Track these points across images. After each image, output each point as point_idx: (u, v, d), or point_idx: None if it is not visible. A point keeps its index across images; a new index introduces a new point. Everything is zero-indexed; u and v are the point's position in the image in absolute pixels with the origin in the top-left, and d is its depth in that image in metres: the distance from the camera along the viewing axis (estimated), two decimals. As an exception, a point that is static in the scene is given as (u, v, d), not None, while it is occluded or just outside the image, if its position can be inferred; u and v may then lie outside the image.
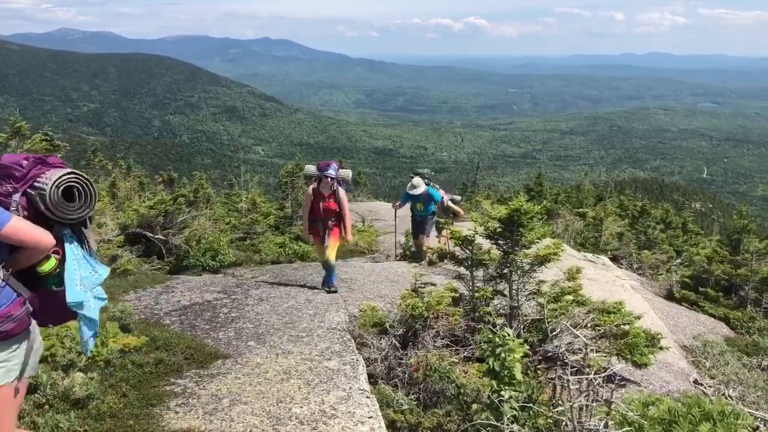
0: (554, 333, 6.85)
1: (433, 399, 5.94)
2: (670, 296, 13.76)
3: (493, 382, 4.64)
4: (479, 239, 7.10)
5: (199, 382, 5.33)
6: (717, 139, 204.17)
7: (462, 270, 7.53)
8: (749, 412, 3.73)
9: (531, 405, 4.86)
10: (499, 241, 7.03)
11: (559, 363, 6.49)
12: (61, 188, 3.06)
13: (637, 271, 17.10)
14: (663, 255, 18.97)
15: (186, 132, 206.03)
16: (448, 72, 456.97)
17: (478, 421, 4.69)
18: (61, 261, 3.07)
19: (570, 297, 7.18)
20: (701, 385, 8.22)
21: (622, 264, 17.66)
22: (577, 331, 6.17)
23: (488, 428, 4.54)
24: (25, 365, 3.11)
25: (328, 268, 8.76)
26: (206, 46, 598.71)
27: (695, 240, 23.86)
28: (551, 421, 4.72)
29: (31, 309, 3.01)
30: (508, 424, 4.41)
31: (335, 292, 8.64)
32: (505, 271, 7.10)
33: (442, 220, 11.42)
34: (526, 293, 7.18)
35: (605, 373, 4.58)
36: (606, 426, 4.10)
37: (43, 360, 5.00)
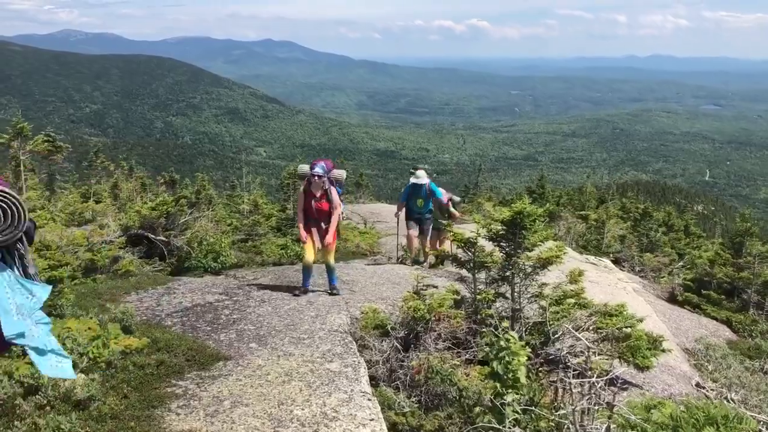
0: (556, 336, 6.83)
1: (434, 401, 5.93)
2: (672, 299, 13.74)
3: (497, 385, 4.63)
4: (481, 241, 7.08)
5: (201, 384, 5.33)
6: (719, 141, 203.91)
7: (464, 272, 7.52)
8: (752, 416, 3.71)
9: (533, 408, 4.85)
10: (502, 244, 7.01)
11: (561, 366, 6.47)
12: None
13: (639, 274, 17.08)
14: (665, 258, 18.95)
15: (188, 133, 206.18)
16: (450, 74, 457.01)
17: (480, 424, 4.67)
18: None
19: (572, 300, 7.16)
20: (703, 388, 8.21)
21: (624, 267, 17.63)
22: (579, 333, 6.16)
23: (490, 431, 4.53)
24: None
25: (330, 269, 8.58)
26: (209, 48, 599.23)
27: (697, 243, 23.83)
28: (553, 425, 4.70)
29: None
30: (510, 428, 4.40)
31: (337, 294, 8.48)
32: (508, 273, 7.09)
33: (444, 222, 11.38)
34: (528, 296, 7.17)
35: (607, 377, 4.56)
36: (608, 430, 4.09)
37: (44, 361, 5.00)
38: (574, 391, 4.64)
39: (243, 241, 13.61)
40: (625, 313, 7.29)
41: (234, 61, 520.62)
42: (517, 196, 23.14)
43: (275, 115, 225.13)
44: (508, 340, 4.81)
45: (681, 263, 18.26)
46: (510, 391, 4.60)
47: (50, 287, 3.35)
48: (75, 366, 5.05)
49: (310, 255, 8.40)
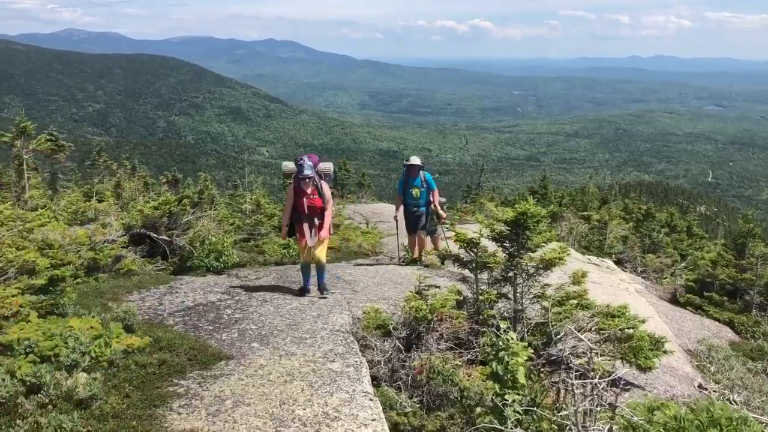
0: (558, 336, 6.82)
1: (436, 402, 5.93)
2: (674, 300, 13.70)
3: (496, 386, 4.62)
4: (484, 242, 7.08)
5: (203, 384, 5.33)
6: (722, 142, 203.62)
7: (466, 272, 7.51)
8: (755, 418, 3.70)
9: (534, 409, 4.84)
10: (505, 244, 7.01)
11: (563, 367, 6.46)
12: None
13: (641, 275, 17.06)
14: (667, 258, 18.93)
15: (191, 133, 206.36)
16: (453, 74, 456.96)
17: (482, 424, 4.67)
18: None
19: (574, 300, 7.15)
20: (706, 389, 8.19)
21: (626, 267, 17.61)
22: (582, 334, 6.15)
23: (492, 432, 4.53)
24: None
25: (320, 268, 8.36)
26: (211, 47, 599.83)
27: (700, 244, 23.81)
28: (555, 426, 4.70)
29: None
30: (511, 428, 4.39)
31: (326, 297, 8.28)
32: (510, 274, 7.08)
33: (434, 223, 11.36)
34: (531, 296, 7.16)
35: (610, 378, 4.55)
36: (610, 431, 4.08)
37: (46, 360, 5.01)
38: (576, 392, 4.63)
39: (245, 240, 13.62)
40: (627, 314, 7.28)
41: (237, 61, 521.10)
42: (519, 197, 23.13)
43: (278, 115, 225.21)
44: (507, 340, 4.80)
45: (683, 264, 18.23)
46: (509, 391, 4.60)
47: None
48: (77, 365, 5.06)
49: (308, 254, 8.28)
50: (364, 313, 7.44)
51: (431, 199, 11.19)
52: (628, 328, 7.08)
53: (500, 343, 4.69)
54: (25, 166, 14.07)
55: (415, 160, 11.10)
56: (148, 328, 6.47)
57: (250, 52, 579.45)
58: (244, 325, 6.98)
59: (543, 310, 7.05)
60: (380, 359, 6.38)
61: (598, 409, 4.37)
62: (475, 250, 7.13)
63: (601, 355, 6.74)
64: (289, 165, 8.48)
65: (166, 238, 10.66)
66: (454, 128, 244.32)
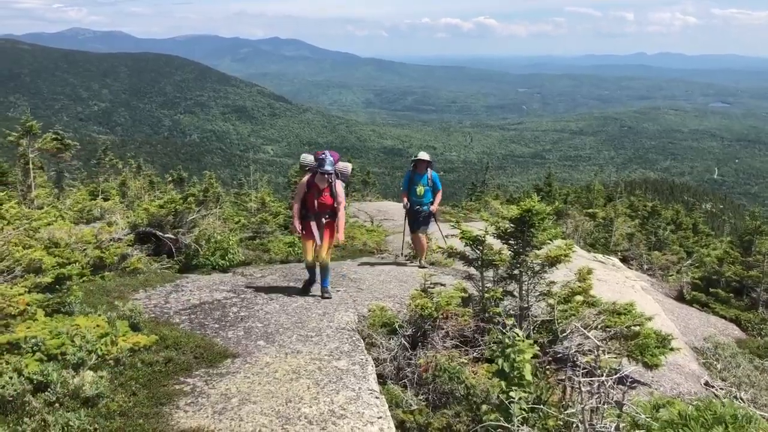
0: (564, 334, 6.81)
1: (442, 399, 5.93)
2: (680, 297, 13.68)
3: (503, 383, 4.62)
4: (489, 239, 7.07)
5: (209, 381, 5.34)
6: (728, 139, 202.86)
7: (472, 270, 7.50)
8: (761, 415, 3.68)
9: (541, 406, 4.84)
10: (510, 242, 7.00)
11: (569, 364, 6.45)
12: None
13: (647, 272, 17.02)
14: (673, 256, 18.87)
15: (196, 131, 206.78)
16: (458, 72, 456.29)
17: (488, 422, 4.66)
18: None
19: (580, 298, 7.14)
20: (712, 387, 8.17)
21: (632, 265, 17.57)
22: (588, 332, 6.13)
23: (498, 430, 4.52)
24: None
25: (324, 269, 8.22)
26: (216, 46, 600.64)
27: (706, 241, 23.73)
28: (561, 423, 4.69)
29: None
30: (518, 426, 4.38)
31: (329, 298, 8.15)
32: (516, 271, 7.07)
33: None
34: (537, 294, 7.15)
35: (617, 375, 4.54)
36: (617, 428, 4.07)
37: (53, 358, 5.03)
38: (583, 389, 4.62)
39: (250, 238, 13.62)
40: (633, 311, 7.26)
41: (241, 60, 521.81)
42: (524, 194, 23.10)
43: (282, 113, 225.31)
44: (513, 337, 4.79)
45: (689, 261, 18.18)
46: (516, 388, 4.59)
47: None
48: (84, 363, 5.07)
49: (310, 255, 8.12)
50: (370, 311, 7.45)
51: (433, 199, 10.90)
52: (635, 326, 7.07)
53: (507, 341, 4.68)
54: (30, 165, 14.11)
55: (424, 155, 10.78)
56: (155, 326, 6.49)
57: (254, 50, 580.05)
58: (250, 323, 6.99)
59: (549, 308, 7.04)
60: (386, 357, 6.38)
61: (605, 406, 4.36)
62: (481, 248, 7.12)
63: (608, 353, 6.72)
64: (308, 158, 8.26)
65: (172, 236, 10.67)
66: (458, 126, 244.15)
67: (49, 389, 4.66)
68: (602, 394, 4.39)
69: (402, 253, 12.19)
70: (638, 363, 6.89)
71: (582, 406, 4.26)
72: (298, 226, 8.12)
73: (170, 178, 26.30)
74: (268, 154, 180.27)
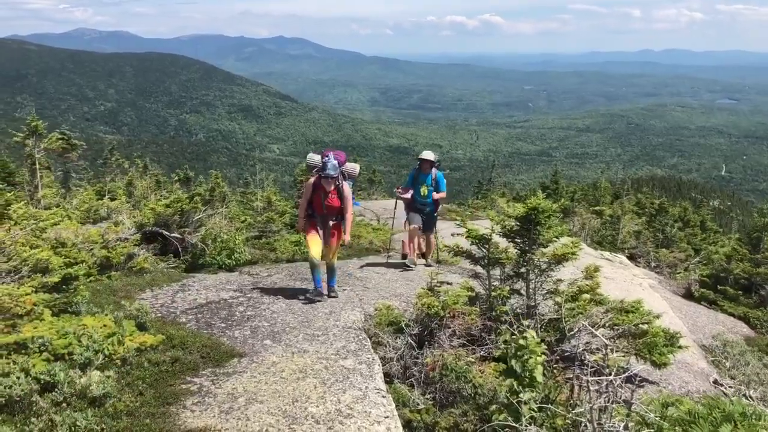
0: (572, 333, 6.78)
1: (449, 399, 5.91)
2: (688, 295, 13.61)
3: (514, 383, 4.59)
4: (496, 238, 7.04)
5: (215, 381, 5.34)
6: (735, 136, 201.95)
7: (478, 269, 7.48)
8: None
9: (549, 406, 4.81)
10: (516, 240, 6.97)
11: (576, 363, 6.42)
12: None
13: (654, 270, 16.94)
14: (681, 253, 18.79)
15: (202, 131, 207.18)
16: (463, 69, 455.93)
17: (496, 422, 4.64)
18: None
19: (588, 296, 7.11)
20: (721, 385, 8.12)
21: (639, 262, 17.50)
22: (596, 330, 6.10)
23: (506, 429, 4.50)
24: None
25: (331, 270, 8.14)
26: (221, 45, 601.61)
27: (714, 238, 23.61)
28: (569, 422, 4.66)
29: None
30: (526, 426, 4.36)
31: (336, 297, 8.10)
32: (522, 270, 7.05)
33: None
34: (543, 292, 7.12)
35: (625, 374, 4.51)
36: (626, 428, 4.04)
37: (60, 358, 5.03)
38: (591, 388, 4.59)
39: (257, 237, 13.63)
40: (641, 309, 7.22)
41: (246, 59, 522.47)
42: (531, 192, 23.03)
43: (288, 112, 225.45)
44: (526, 338, 4.77)
45: (697, 259, 18.09)
46: (526, 389, 4.57)
47: None
48: (91, 363, 5.07)
49: (316, 250, 7.84)
50: (376, 309, 7.43)
51: (435, 198, 10.55)
52: (642, 324, 7.03)
53: (521, 342, 4.66)
54: (37, 165, 14.15)
55: (429, 154, 10.48)
56: (161, 325, 6.49)
57: (259, 49, 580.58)
58: (257, 323, 6.98)
59: (556, 306, 7.01)
60: (392, 356, 6.37)
61: (614, 405, 4.33)
62: (487, 247, 7.10)
63: (615, 351, 6.69)
64: (314, 158, 8.09)
65: (178, 235, 10.68)
66: (464, 124, 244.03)
67: (56, 389, 4.67)
68: (610, 392, 4.36)
69: (389, 249, 11.78)
70: (646, 361, 6.85)
71: (590, 405, 4.23)
72: (302, 224, 8.03)
73: (176, 178, 26.37)
74: (274, 153, 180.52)
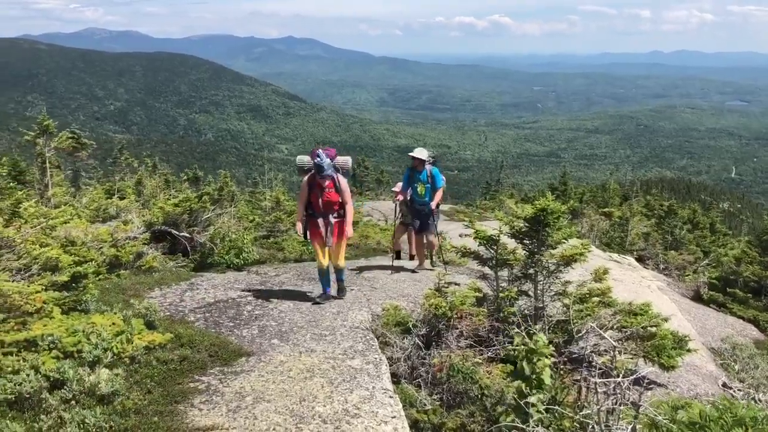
0: (580, 334, 6.76)
1: (456, 399, 5.90)
2: (697, 298, 13.54)
3: (522, 385, 4.59)
4: (504, 239, 7.03)
5: (223, 380, 5.35)
6: (746, 138, 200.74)
7: (486, 270, 7.47)
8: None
9: (556, 407, 4.80)
10: (525, 241, 6.96)
11: (584, 365, 6.41)
12: None
13: (663, 272, 16.87)
14: (690, 256, 18.70)
15: (211, 130, 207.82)
16: (472, 70, 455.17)
17: (504, 423, 4.64)
18: None
19: (596, 298, 7.09)
20: (730, 388, 8.08)
21: (648, 265, 17.43)
22: (604, 332, 6.09)
23: (513, 431, 4.49)
24: None
25: (339, 270, 7.96)
26: (231, 46, 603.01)
27: (723, 241, 23.49)
28: (577, 424, 4.65)
29: None
30: (534, 427, 4.35)
31: (342, 298, 8.00)
32: (531, 271, 7.03)
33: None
34: (552, 294, 7.10)
35: (633, 376, 4.49)
36: (634, 430, 4.03)
37: (69, 356, 5.06)
38: (599, 390, 4.58)
39: (265, 237, 13.66)
40: (649, 311, 7.20)
41: (256, 59, 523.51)
42: (539, 193, 22.98)
43: (297, 112, 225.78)
44: (536, 341, 4.76)
45: (706, 261, 18.00)
46: (535, 391, 4.56)
47: None
48: (100, 361, 5.10)
49: (324, 258, 7.73)
50: (384, 310, 7.44)
51: (433, 197, 9.96)
52: (651, 326, 7.01)
53: (531, 345, 4.65)
54: (47, 164, 14.23)
55: (420, 153, 9.88)
56: (170, 324, 6.52)
57: (269, 50, 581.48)
58: (264, 322, 7.00)
59: (564, 308, 6.99)
60: (400, 356, 6.37)
61: (621, 408, 4.32)
62: (495, 248, 7.09)
63: (624, 353, 6.67)
64: (304, 159, 7.84)
65: (187, 235, 10.72)
66: (473, 124, 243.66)
67: (65, 386, 4.70)
68: (618, 395, 4.35)
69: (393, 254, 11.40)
70: (655, 364, 6.82)
71: (598, 407, 4.22)
72: (300, 228, 7.77)
73: (185, 177, 26.46)
74: (282, 153, 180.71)
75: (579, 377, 6.21)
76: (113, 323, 5.75)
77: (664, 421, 3.63)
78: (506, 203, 22.21)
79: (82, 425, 4.29)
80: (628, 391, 4.48)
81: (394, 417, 4.88)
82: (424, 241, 10.34)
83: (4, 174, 13.05)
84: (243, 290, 8.39)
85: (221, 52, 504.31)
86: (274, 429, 4.56)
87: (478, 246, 7.30)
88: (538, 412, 4.51)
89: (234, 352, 5.99)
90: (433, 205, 9.90)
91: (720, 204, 61.46)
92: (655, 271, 16.38)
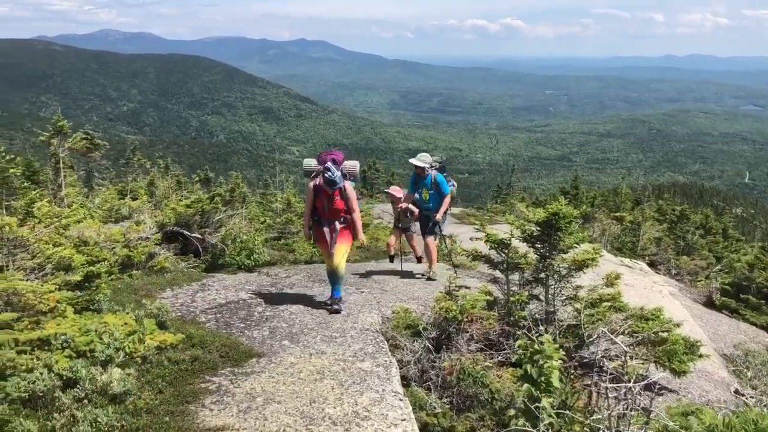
0: (591, 339, 6.74)
1: (466, 403, 5.90)
2: (709, 303, 13.45)
3: (531, 389, 4.58)
4: (515, 242, 7.01)
5: (234, 380, 5.37)
6: (760, 143, 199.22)
7: (497, 273, 7.46)
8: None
9: (566, 412, 4.78)
10: (536, 245, 6.94)
11: (595, 369, 6.38)
12: None
13: (675, 277, 16.77)
14: (702, 261, 18.59)
15: (223, 132, 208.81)
16: (484, 73, 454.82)
17: (514, 427, 4.63)
18: None
19: (607, 303, 7.06)
20: (743, 395, 8.01)
21: (659, 270, 17.33)
22: (615, 337, 6.06)
23: (523, 434, 4.48)
24: None
25: (337, 277, 7.61)
26: (244, 48, 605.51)
27: (736, 246, 23.32)
28: (587, 429, 4.63)
29: None
30: (543, 431, 4.34)
31: (338, 312, 7.51)
32: (542, 275, 7.01)
33: (409, 221, 10.56)
34: (563, 298, 7.08)
35: (645, 382, 4.47)
36: (645, 436, 4.01)
37: (82, 355, 5.10)
38: (609, 395, 4.56)
39: (276, 239, 13.71)
40: (661, 317, 7.16)
41: (268, 61, 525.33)
42: (551, 197, 22.91)
43: (308, 115, 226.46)
44: (542, 343, 4.75)
45: (719, 267, 17.88)
46: (544, 395, 4.55)
47: None
48: (112, 361, 5.14)
49: (330, 261, 7.57)
50: (394, 312, 7.44)
51: (439, 205, 9.62)
52: (663, 332, 6.97)
53: (536, 347, 4.64)
54: (61, 165, 14.32)
55: (419, 160, 9.65)
56: (181, 324, 6.55)
57: (282, 52, 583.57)
58: (275, 323, 7.02)
59: (575, 312, 6.97)
60: (410, 359, 6.37)
61: (632, 413, 4.30)
62: (506, 251, 7.08)
63: (635, 359, 6.64)
64: (311, 162, 7.61)
65: (199, 235, 10.77)
66: (484, 128, 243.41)
67: (78, 385, 4.73)
68: (629, 400, 4.33)
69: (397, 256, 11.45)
70: (666, 369, 6.79)
71: (609, 412, 4.21)
72: (308, 232, 7.72)
73: (197, 178, 26.59)
74: (293, 155, 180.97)
75: (590, 382, 6.19)
76: (125, 323, 5.78)
77: (676, 427, 3.61)
78: (517, 207, 22.16)
79: (94, 424, 4.32)
80: (639, 397, 4.46)
81: (404, 420, 4.88)
82: (430, 245, 10.00)
83: (18, 174, 13.16)
84: (254, 291, 8.42)
85: (234, 54, 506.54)
86: (284, 430, 4.57)
87: (489, 249, 7.29)
88: (549, 416, 4.49)
89: (245, 353, 6.01)
90: (437, 216, 9.58)
91: (733, 209, 61.00)
92: (666, 276, 16.29)
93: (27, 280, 5.60)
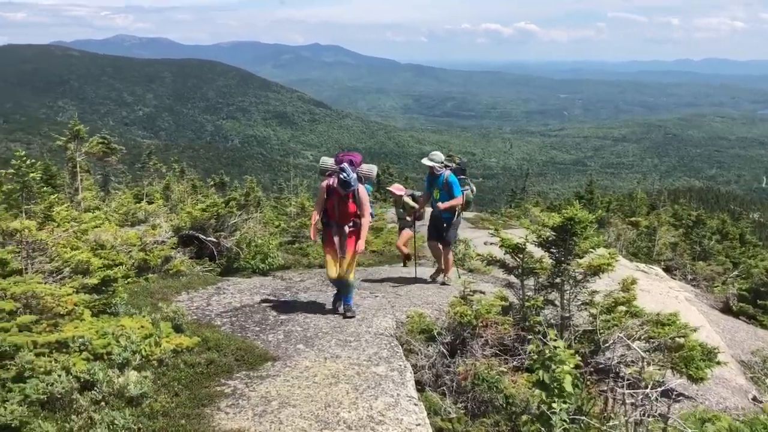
0: (607, 345, 6.69)
1: (481, 408, 5.88)
2: (726, 309, 13.32)
3: (543, 394, 4.56)
4: (530, 247, 6.99)
5: (249, 384, 5.39)
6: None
7: (512, 278, 7.43)
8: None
9: (582, 417, 4.76)
10: (552, 250, 6.91)
11: (611, 375, 6.34)
12: None
13: (691, 283, 16.63)
14: (719, 266, 18.42)
15: (237, 136, 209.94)
16: (498, 77, 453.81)
17: (528, 432, 4.62)
18: None
19: (623, 308, 7.01)
20: (761, 402, 7.93)
21: (675, 275, 17.19)
22: (631, 343, 6.02)
23: (538, 440, 4.47)
24: None
25: (346, 286, 7.42)
26: (259, 53, 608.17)
27: (753, 251, 23.05)
28: (603, 435, 4.61)
29: None
30: (559, 437, 4.32)
31: (352, 317, 7.39)
32: (557, 280, 6.98)
33: (409, 219, 10.75)
34: (578, 303, 7.04)
35: (662, 388, 4.44)
36: (662, 442, 3.98)
37: (99, 358, 5.14)
38: (626, 401, 4.53)
39: (290, 243, 13.76)
40: (677, 322, 7.11)
41: (282, 66, 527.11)
42: (565, 202, 22.80)
43: (322, 119, 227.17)
44: (554, 348, 4.73)
45: (736, 272, 17.69)
46: (557, 400, 4.53)
47: None
48: (129, 363, 5.17)
49: (333, 270, 7.34)
50: (408, 317, 7.43)
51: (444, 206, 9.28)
52: (679, 337, 6.91)
53: (547, 352, 4.62)
54: (78, 169, 14.47)
55: (431, 160, 9.37)
56: (197, 328, 6.58)
57: (295, 56, 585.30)
58: (290, 327, 7.04)
59: (591, 318, 6.93)
60: (424, 364, 6.36)
61: (649, 419, 4.27)
62: (521, 256, 7.05)
63: (651, 365, 6.59)
64: (327, 161, 7.42)
65: (214, 239, 10.84)
66: (498, 132, 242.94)
67: (95, 388, 4.77)
68: (646, 406, 4.30)
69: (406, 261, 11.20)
70: (683, 376, 6.73)
71: (626, 418, 4.18)
72: (313, 233, 7.58)
73: (212, 183, 26.69)
74: (307, 160, 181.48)
75: (605, 388, 6.15)
76: (142, 326, 5.82)
77: (694, 434, 3.58)
78: (532, 211, 22.09)
79: (111, 426, 4.35)
80: (656, 403, 4.43)
81: (419, 425, 4.87)
82: (448, 253, 9.80)
83: (37, 179, 13.30)
84: (268, 295, 8.44)
85: (248, 59, 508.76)
86: (299, 434, 4.58)
87: (504, 254, 7.26)
88: (563, 421, 4.47)
89: (260, 356, 6.03)
90: (440, 205, 9.24)
91: (750, 214, 60.34)
92: (682, 282, 16.16)
93: (45, 283, 5.66)
